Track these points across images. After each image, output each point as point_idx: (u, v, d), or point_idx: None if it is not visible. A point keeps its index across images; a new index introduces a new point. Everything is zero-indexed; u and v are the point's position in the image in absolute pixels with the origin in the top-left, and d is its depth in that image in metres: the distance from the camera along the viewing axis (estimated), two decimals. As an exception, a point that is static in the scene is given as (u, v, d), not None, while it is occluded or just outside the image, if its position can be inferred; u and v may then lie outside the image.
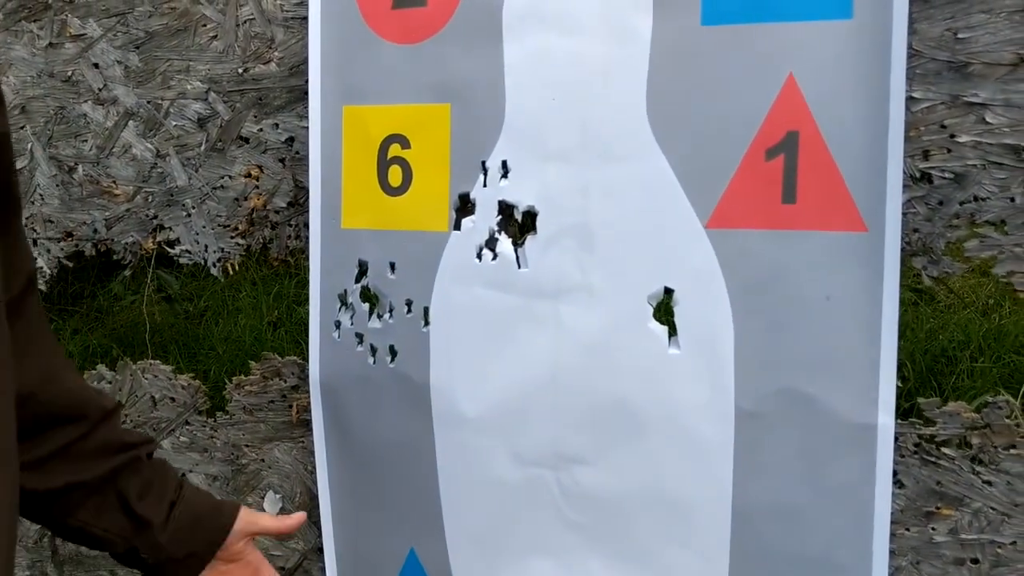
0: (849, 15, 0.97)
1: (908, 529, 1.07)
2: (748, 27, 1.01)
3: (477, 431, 1.20)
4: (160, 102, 1.37)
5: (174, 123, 1.37)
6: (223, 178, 1.36)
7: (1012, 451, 1.02)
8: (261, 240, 1.36)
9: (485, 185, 1.16)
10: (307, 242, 1.29)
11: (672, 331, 1.09)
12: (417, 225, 1.20)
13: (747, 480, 1.07)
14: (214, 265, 1.39)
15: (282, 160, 1.32)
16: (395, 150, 1.20)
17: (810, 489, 1.05)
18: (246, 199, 1.35)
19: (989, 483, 1.03)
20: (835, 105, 0.99)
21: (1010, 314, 2.72)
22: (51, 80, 1.43)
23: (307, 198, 1.28)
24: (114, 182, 1.43)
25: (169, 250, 1.42)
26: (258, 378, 1.40)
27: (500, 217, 1.16)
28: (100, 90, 1.41)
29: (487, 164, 1.15)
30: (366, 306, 1.26)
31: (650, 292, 1.09)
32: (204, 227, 1.38)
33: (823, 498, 1.05)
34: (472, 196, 1.17)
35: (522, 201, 1.14)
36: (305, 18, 1.24)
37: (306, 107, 1.26)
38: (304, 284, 1.35)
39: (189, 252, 1.40)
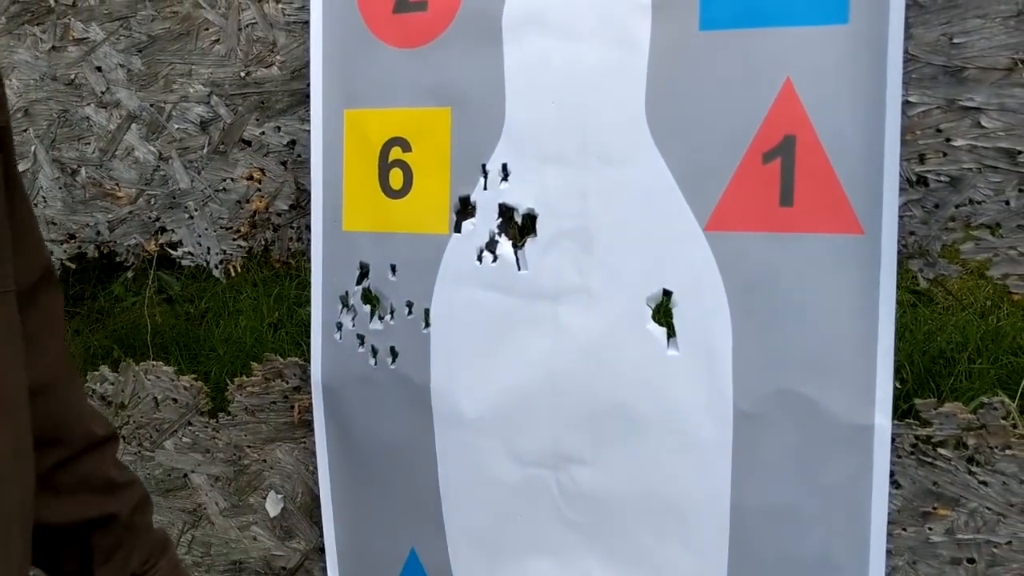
0: (845, 20, 0.98)
1: (905, 529, 1.08)
2: (746, 32, 1.02)
3: (477, 431, 1.21)
4: (163, 105, 1.38)
5: (176, 126, 1.38)
6: (225, 181, 1.37)
7: (1008, 452, 1.03)
8: (263, 242, 1.37)
9: (485, 188, 1.16)
10: (308, 244, 1.30)
11: (671, 332, 1.10)
12: (418, 228, 1.21)
13: (745, 480, 1.08)
14: (216, 267, 1.40)
15: (284, 163, 1.33)
16: (396, 153, 1.21)
17: (807, 489, 1.06)
18: (248, 201, 1.36)
19: (985, 483, 1.04)
20: (832, 109, 1.00)
21: (1008, 316, 2.73)
22: (54, 83, 1.44)
23: (309, 201, 1.29)
24: (117, 184, 1.44)
25: (171, 252, 1.43)
26: (260, 379, 1.41)
27: (500, 220, 1.17)
28: (103, 93, 1.42)
29: (487, 167, 1.16)
30: (367, 308, 1.26)
31: (649, 294, 1.10)
32: (206, 229, 1.39)
33: (820, 498, 1.06)
34: (472, 199, 1.18)
35: (522, 204, 1.15)
36: (307, 22, 1.25)
37: (308, 110, 1.27)
38: (304, 286, 1.36)
39: (191, 254, 1.41)
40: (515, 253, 1.16)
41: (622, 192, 1.10)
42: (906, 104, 1.00)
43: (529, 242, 1.15)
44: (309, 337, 1.33)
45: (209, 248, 1.40)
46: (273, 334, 3.18)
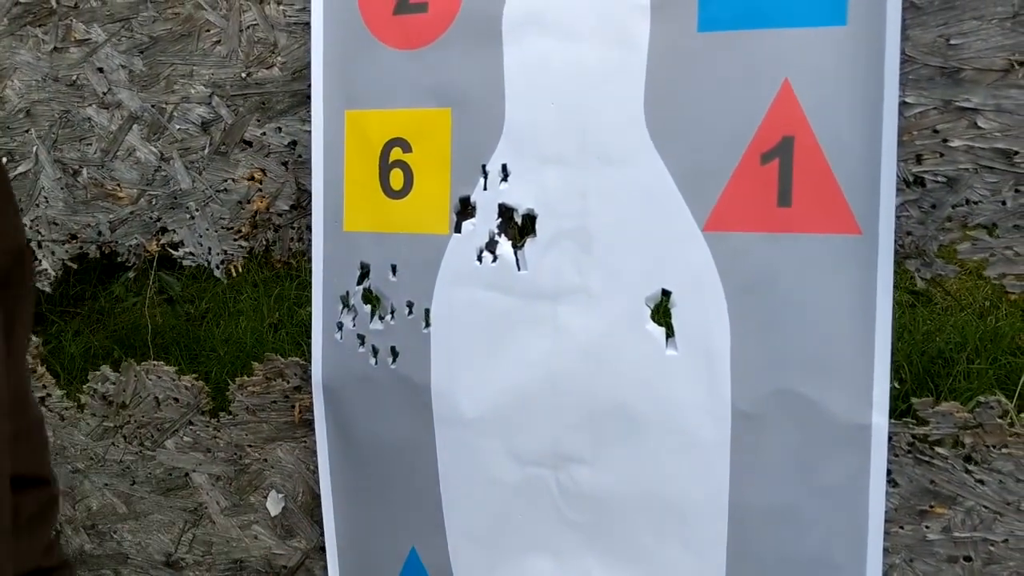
0: (843, 21, 0.99)
1: (902, 527, 1.09)
2: (744, 33, 1.03)
3: (477, 431, 1.22)
4: (164, 106, 1.39)
5: (178, 127, 1.39)
6: (226, 181, 1.38)
7: (1004, 450, 1.03)
8: (264, 242, 1.37)
9: (485, 188, 1.17)
10: (309, 244, 1.31)
11: (669, 332, 1.10)
12: (418, 228, 1.21)
13: (743, 479, 1.09)
14: (217, 267, 1.41)
15: (285, 163, 1.34)
16: (396, 154, 1.22)
17: (805, 488, 1.07)
18: (249, 202, 1.37)
19: (981, 482, 1.05)
20: (830, 110, 1.01)
21: (1006, 316, 2.73)
22: (56, 84, 1.45)
23: (310, 201, 1.30)
24: (118, 185, 1.44)
25: (173, 252, 1.43)
26: (261, 379, 1.41)
27: (500, 220, 1.17)
28: (104, 94, 1.42)
29: (487, 168, 1.17)
30: (368, 308, 1.27)
31: (648, 294, 1.11)
32: (207, 229, 1.40)
33: (818, 497, 1.06)
34: (472, 199, 1.18)
35: (522, 204, 1.16)
36: (307, 23, 1.26)
37: (309, 111, 1.28)
38: (305, 286, 1.36)
39: (193, 254, 1.42)
40: (515, 253, 1.17)
41: (621, 192, 1.10)
42: (903, 105, 1.01)
43: (529, 242, 1.16)
44: (309, 337, 1.33)
45: (210, 248, 1.40)
46: (273, 334, 3.18)
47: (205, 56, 1.35)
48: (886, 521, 1.05)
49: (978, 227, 1.01)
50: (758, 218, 1.05)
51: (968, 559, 1.06)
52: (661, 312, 1.11)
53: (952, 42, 0.99)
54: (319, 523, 1.38)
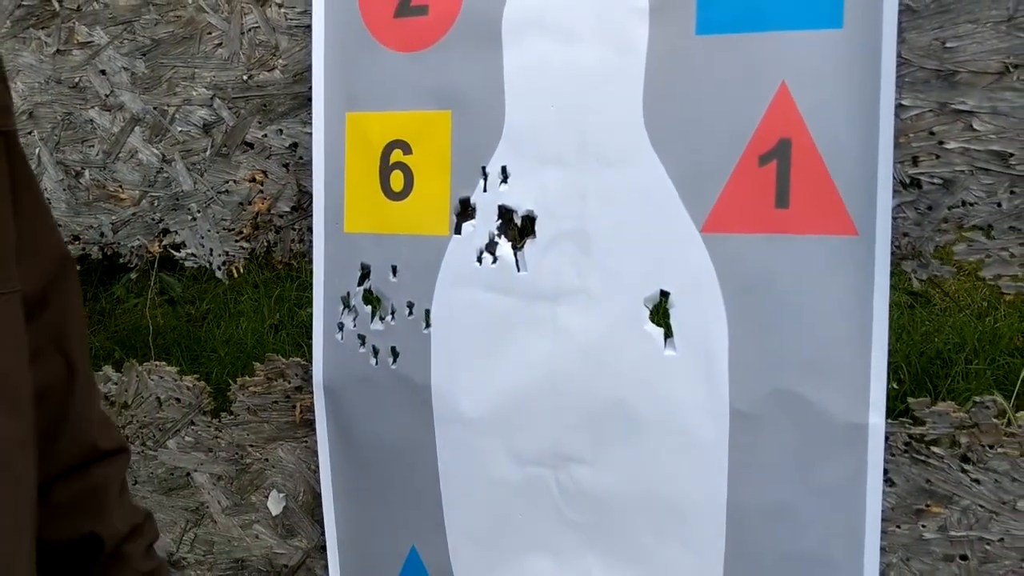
0: (840, 24, 1.00)
1: (899, 526, 1.09)
2: (742, 36, 1.03)
3: (477, 431, 1.22)
4: (166, 108, 1.40)
5: (179, 129, 1.40)
6: (228, 183, 1.38)
7: (999, 450, 1.04)
8: (265, 244, 1.38)
9: (485, 190, 1.18)
10: (310, 246, 1.31)
11: (668, 333, 1.11)
12: (418, 229, 1.22)
13: (741, 478, 1.09)
14: (219, 268, 1.41)
15: (286, 165, 1.35)
16: (397, 155, 1.23)
17: (803, 487, 1.07)
18: (250, 203, 1.37)
19: (977, 481, 1.05)
20: (827, 112, 1.01)
21: (1005, 317, 2.74)
22: (58, 86, 1.46)
23: (311, 202, 1.30)
24: (120, 187, 1.45)
25: (175, 253, 1.44)
26: (262, 379, 1.42)
27: (500, 221, 1.18)
28: (107, 96, 1.43)
29: (487, 169, 1.17)
30: (368, 308, 1.28)
31: (646, 295, 1.11)
32: (209, 231, 1.41)
33: (816, 496, 1.07)
34: (472, 201, 1.19)
35: (521, 206, 1.16)
36: (309, 26, 1.27)
37: (310, 113, 1.29)
38: (305, 287, 1.37)
39: (194, 255, 1.43)
40: (515, 254, 1.18)
41: (620, 194, 1.11)
42: (899, 107, 1.01)
43: (528, 244, 1.17)
44: (309, 338, 1.34)
45: (212, 249, 1.41)
46: (274, 335, 3.19)
47: (207, 58, 1.36)
48: (883, 520, 1.06)
49: (974, 228, 1.02)
50: (756, 219, 1.05)
51: (964, 558, 1.07)
52: (660, 313, 1.12)
53: (948, 45, 0.99)
54: (320, 522, 1.38)
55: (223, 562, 1.51)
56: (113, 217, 1.47)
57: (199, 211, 1.41)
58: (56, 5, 1.43)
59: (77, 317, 0.79)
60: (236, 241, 1.40)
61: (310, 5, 1.26)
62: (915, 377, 2.46)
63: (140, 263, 1.48)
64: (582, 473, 1.18)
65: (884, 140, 1.00)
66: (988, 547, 1.06)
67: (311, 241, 1.31)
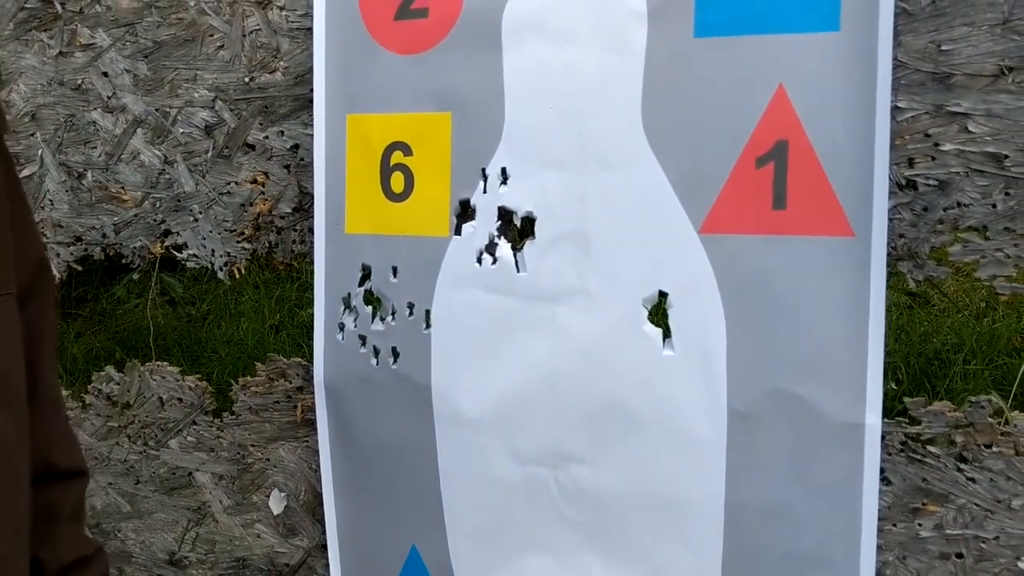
0: (836, 28, 1.00)
1: (895, 525, 1.10)
2: (739, 39, 1.04)
3: (477, 431, 1.23)
4: (168, 110, 1.41)
5: (181, 130, 1.41)
6: (229, 184, 1.39)
7: (995, 449, 1.05)
8: (267, 245, 1.39)
9: (485, 191, 1.19)
10: (311, 247, 1.32)
11: (667, 333, 1.12)
12: (419, 230, 1.23)
13: (739, 478, 1.10)
14: (220, 269, 1.42)
15: (287, 167, 1.35)
16: (397, 157, 1.23)
17: (800, 487, 1.08)
18: (252, 205, 1.38)
19: (973, 480, 1.06)
20: (823, 115, 1.02)
21: (1003, 318, 2.75)
22: (61, 88, 1.46)
23: (312, 204, 1.31)
24: (123, 188, 1.46)
25: (176, 254, 1.45)
26: (264, 379, 1.43)
27: (499, 223, 1.19)
28: (109, 98, 1.44)
29: (487, 171, 1.18)
30: (369, 309, 1.28)
31: (645, 295, 1.12)
32: (211, 232, 1.42)
33: (813, 495, 1.08)
34: (472, 202, 1.20)
35: (521, 207, 1.17)
36: (310, 29, 1.28)
37: (311, 115, 1.29)
38: (306, 288, 1.38)
39: (196, 256, 1.43)
40: (514, 255, 1.18)
41: (619, 196, 1.12)
42: (896, 109, 1.02)
43: (528, 245, 1.18)
44: (310, 339, 1.35)
45: (213, 250, 1.42)
46: (274, 336, 3.20)
47: (209, 61, 1.37)
48: (880, 519, 1.07)
49: (969, 229, 1.03)
50: (753, 221, 1.06)
51: (960, 556, 1.08)
52: (659, 313, 1.13)
53: (943, 48, 1.00)
54: (321, 521, 1.39)
55: (224, 561, 1.51)
56: (115, 218, 1.47)
57: (201, 212, 1.42)
58: (59, 7, 1.44)
59: (49, 324, 0.76)
60: (238, 242, 1.41)
61: (311, 8, 1.26)
62: (914, 378, 2.46)
63: (142, 264, 1.49)
64: (581, 473, 1.19)
65: (880, 142, 1.01)
66: (983, 545, 1.07)
67: (312, 242, 1.32)
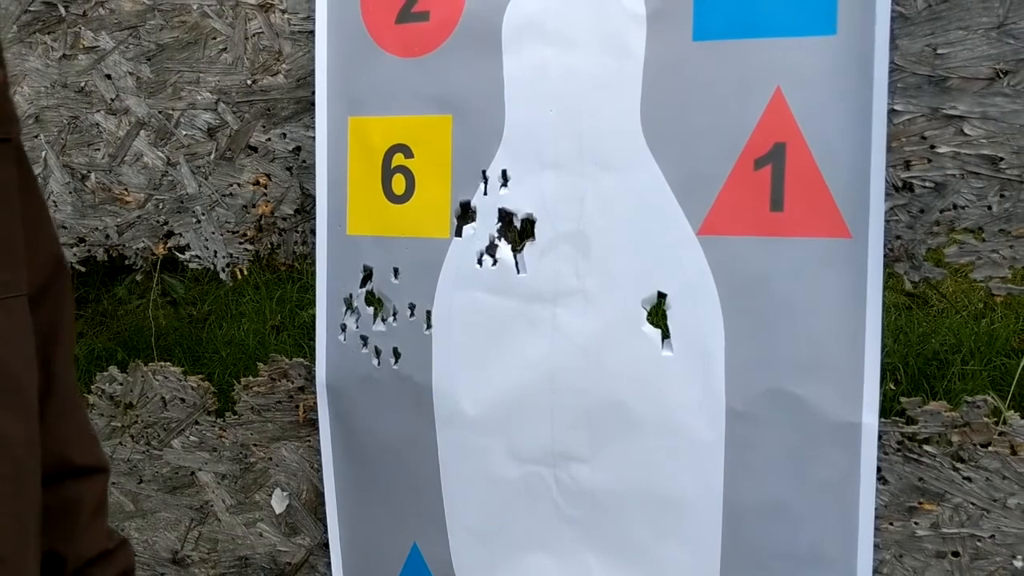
0: (833, 31, 1.01)
1: (892, 524, 1.11)
2: (737, 43, 1.05)
3: (478, 430, 1.24)
4: (171, 112, 1.42)
5: (184, 132, 1.41)
6: (232, 186, 1.40)
7: (990, 448, 1.06)
8: (269, 246, 1.40)
9: (485, 193, 1.19)
10: (313, 248, 1.33)
11: (665, 334, 1.13)
12: (420, 232, 1.24)
13: (737, 477, 1.11)
14: (223, 270, 1.43)
15: (289, 169, 1.36)
16: (398, 159, 1.24)
17: (798, 486, 1.09)
18: (254, 206, 1.39)
19: (969, 479, 1.07)
20: (821, 117, 1.03)
21: (1001, 318, 2.76)
22: (64, 91, 1.47)
23: (313, 205, 1.32)
24: (126, 189, 1.47)
25: (179, 255, 1.46)
26: (266, 379, 1.43)
27: (500, 224, 1.19)
28: (112, 100, 1.45)
29: (487, 173, 1.19)
30: (371, 310, 1.29)
31: (644, 296, 1.13)
32: (213, 233, 1.42)
33: (810, 494, 1.09)
34: (473, 204, 1.21)
35: (521, 209, 1.18)
36: (312, 32, 1.29)
37: (313, 118, 1.30)
38: (307, 288, 1.39)
39: (199, 257, 1.44)
40: (514, 257, 1.19)
41: (618, 197, 1.13)
42: (892, 112, 1.03)
43: (528, 246, 1.18)
44: (311, 340, 1.35)
45: (216, 252, 1.43)
46: (275, 337, 3.20)
47: (211, 63, 1.38)
48: (876, 518, 1.08)
49: (965, 231, 1.04)
50: (751, 222, 1.07)
51: (956, 554, 1.09)
52: (657, 314, 1.14)
53: (939, 51, 1.01)
54: (323, 520, 1.40)
55: (227, 560, 1.52)
56: (118, 219, 1.48)
57: (203, 214, 1.43)
58: (62, 10, 1.45)
59: (66, 322, 0.76)
60: (240, 243, 1.41)
61: (313, 11, 1.27)
62: (912, 378, 2.47)
63: (145, 265, 1.50)
64: (581, 471, 1.20)
65: (877, 144, 1.02)
66: (979, 544, 1.08)
67: (314, 243, 1.33)
